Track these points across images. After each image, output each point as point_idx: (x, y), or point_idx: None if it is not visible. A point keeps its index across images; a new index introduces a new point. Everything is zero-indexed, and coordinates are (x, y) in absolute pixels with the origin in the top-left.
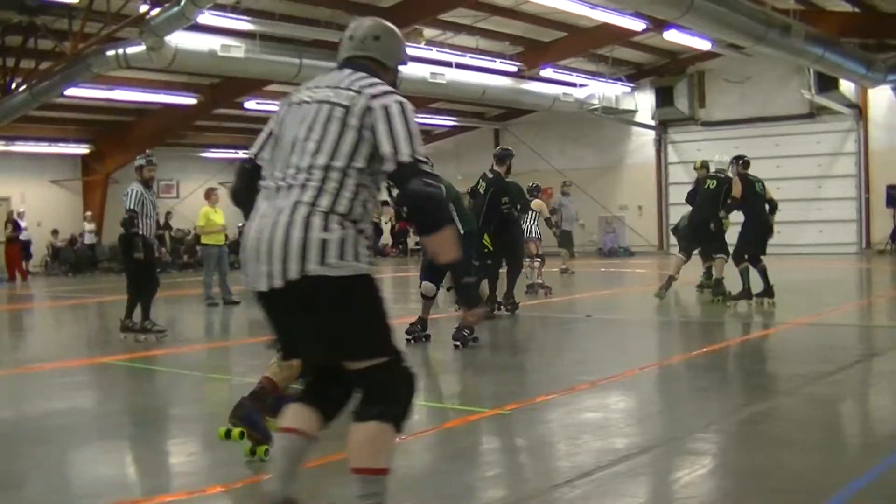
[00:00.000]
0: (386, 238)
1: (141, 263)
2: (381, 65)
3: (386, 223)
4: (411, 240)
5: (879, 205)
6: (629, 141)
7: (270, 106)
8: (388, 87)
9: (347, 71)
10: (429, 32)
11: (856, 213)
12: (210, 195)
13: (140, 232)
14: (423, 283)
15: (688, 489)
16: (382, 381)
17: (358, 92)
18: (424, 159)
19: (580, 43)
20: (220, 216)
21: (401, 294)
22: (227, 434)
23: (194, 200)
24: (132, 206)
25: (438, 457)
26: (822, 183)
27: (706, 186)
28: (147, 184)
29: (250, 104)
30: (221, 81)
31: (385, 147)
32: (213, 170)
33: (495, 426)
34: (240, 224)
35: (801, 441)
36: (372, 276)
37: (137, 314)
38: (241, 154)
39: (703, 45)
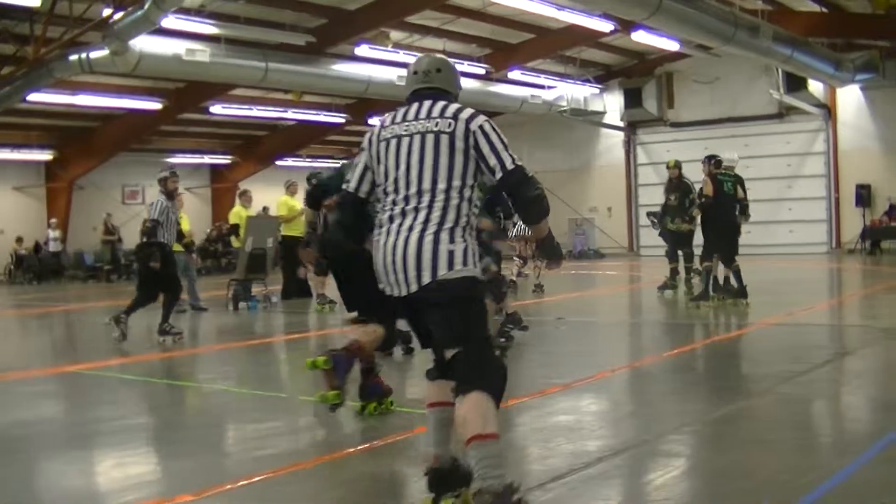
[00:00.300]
0: None
1: (158, 271)
2: (446, 93)
3: None
4: None
5: (849, 204)
6: (598, 142)
7: (236, 110)
8: (473, 110)
9: (427, 102)
10: (396, 35)
11: (825, 212)
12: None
13: (163, 241)
14: None
15: (661, 491)
16: (483, 359)
17: (454, 118)
18: (522, 164)
19: (548, 44)
20: (186, 222)
21: None
22: (314, 364)
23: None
24: (156, 217)
25: (410, 462)
26: (792, 183)
27: (725, 189)
28: (171, 195)
29: (216, 108)
30: (186, 86)
31: (491, 160)
32: (180, 175)
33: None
34: (208, 230)
35: (773, 441)
36: (481, 280)
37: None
38: (207, 159)
39: (672, 45)
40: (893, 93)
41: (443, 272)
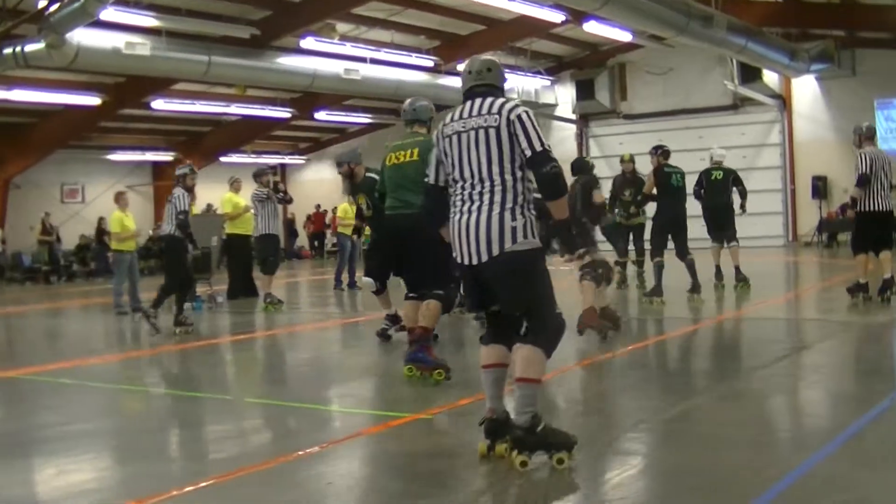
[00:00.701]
0: (302, 240)
1: (185, 262)
2: (497, 88)
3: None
4: (328, 241)
5: (805, 196)
6: (549, 135)
7: (179, 105)
8: (515, 102)
9: (479, 100)
10: (342, 27)
11: (781, 204)
12: (119, 199)
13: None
14: (364, 278)
15: (617, 490)
16: (541, 319)
17: (499, 112)
18: (549, 148)
19: (498, 36)
20: (132, 221)
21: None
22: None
23: (100, 205)
24: (183, 208)
25: (359, 464)
26: (748, 175)
27: (713, 178)
28: (190, 191)
29: (157, 104)
30: (127, 80)
31: (524, 144)
32: (119, 173)
33: (418, 431)
34: (151, 229)
35: (730, 438)
36: (541, 247)
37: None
38: (148, 156)
39: (624, 36)
40: (849, 83)
41: (508, 245)
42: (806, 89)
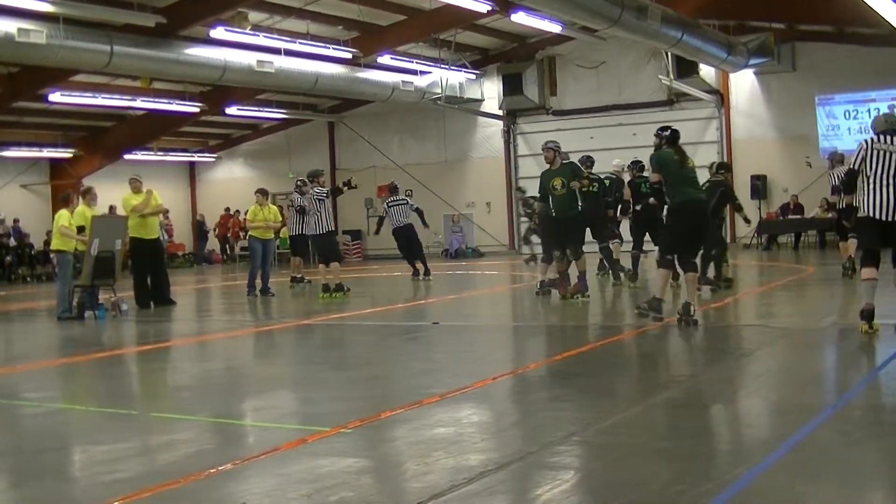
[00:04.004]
0: (212, 244)
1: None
2: None
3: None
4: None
5: (744, 196)
6: (475, 132)
7: (78, 98)
8: None
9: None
10: (254, 17)
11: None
12: (70, 199)
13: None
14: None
15: None
16: None
17: None
18: None
19: (420, 27)
20: (85, 217)
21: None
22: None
23: None
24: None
25: (276, 482)
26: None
27: (643, 191)
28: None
29: (55, 97)
30: (21, 70)
31: None
32: (13, 171)
33: (336, 447)
34: (48, 231)
35: (667, 450)
36: None
37: None
38: (45, 152)
39: (553, 28)
40: (789, 78)
41: None
42: (744, 85)
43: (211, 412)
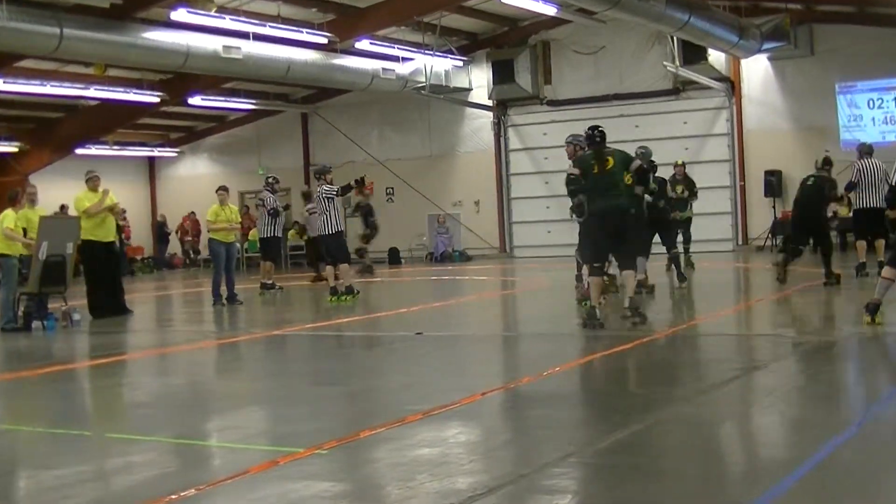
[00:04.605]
0: (175, 247)
1: None
2: None
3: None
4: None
5: (756, 194)
6: (462, 125)
7: (24, 86)
8: None
9: None
10: None
11: (730, 203)
12: (18, 199)
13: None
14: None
15: None
16: None
17: None
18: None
19: (402, 9)
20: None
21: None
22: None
23: None
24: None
25: None
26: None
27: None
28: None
29: None
30: None
31: None
32: None
33: (311, 469)
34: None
35: (673, 472)
36: None
37: None
38: None
39: (548, 10)
40: (806, 64)
41: None
42: (757, 71)
43: (172, 432)
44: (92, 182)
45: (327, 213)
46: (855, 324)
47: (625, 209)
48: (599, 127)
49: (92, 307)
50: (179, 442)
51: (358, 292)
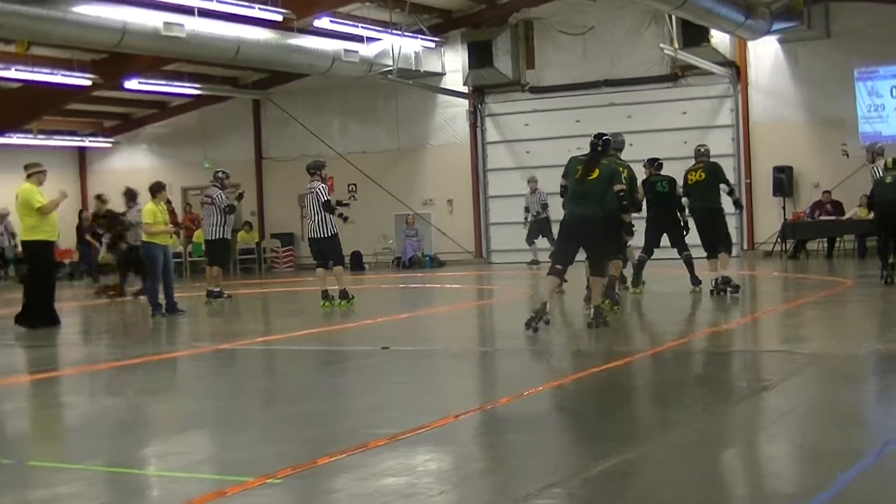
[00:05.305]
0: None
1: None
2: None
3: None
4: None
5: (764, 192)
6: (434, 114)
7: None
8: None
9: None
10: None
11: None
12: None
13: None
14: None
15: None
16: None
17: None
18: None
19: None
20: None
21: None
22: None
23: None
24: None
25: None
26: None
27: (659, 189)
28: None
29: None
30: None
31: None
32: None
33: (262, 500)
34: None
35: None
36: None
37: None
38: None
39: None
40: (821, 47)
41: None
42: (766, 55)
43: (105, 459)
44: (38, 176)
45: (320, 215)
46: (877, 339)
47: (591, 218)
48: (605, 136)
49: (29, 316)
50: (112, 470)
51: (352, 297)
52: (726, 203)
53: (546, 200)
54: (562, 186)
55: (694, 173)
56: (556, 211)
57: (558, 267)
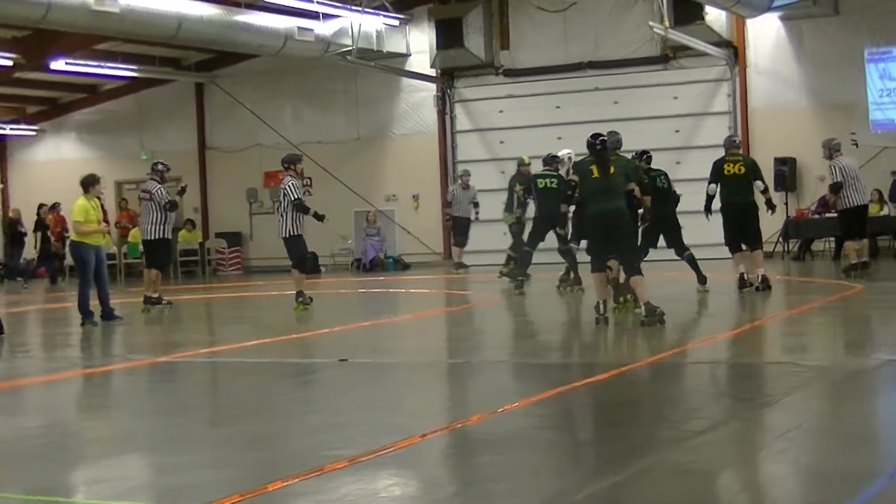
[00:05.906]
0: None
1: None
2: None
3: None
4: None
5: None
6: (398, 100)
7: None
8: None
9: None
10: None
11: None
12: None
13: None
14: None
15: None
16: None
17: None
18: None
19: None
20: None
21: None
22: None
23: None
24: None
25: None
26: (683, 157)
27: (658, 185)
28: None
29: None
30: None
31: None
32: None
33: None
34: None
35: None
36: None
37: None
38: None
39: None
40: (828, 25)
41: None
42: (766, 34)
43: (25, 486)
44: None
45: (288, 213)
46: (889, 349)
47: (618, 214)
48: (602, 135)
49: None
50: (34, 499)
51: (311, 300)
52: None
53: (477, 199)
54: (573, 186)
55: (732, 165)
56: (486, 212)
57: (601, 264)
